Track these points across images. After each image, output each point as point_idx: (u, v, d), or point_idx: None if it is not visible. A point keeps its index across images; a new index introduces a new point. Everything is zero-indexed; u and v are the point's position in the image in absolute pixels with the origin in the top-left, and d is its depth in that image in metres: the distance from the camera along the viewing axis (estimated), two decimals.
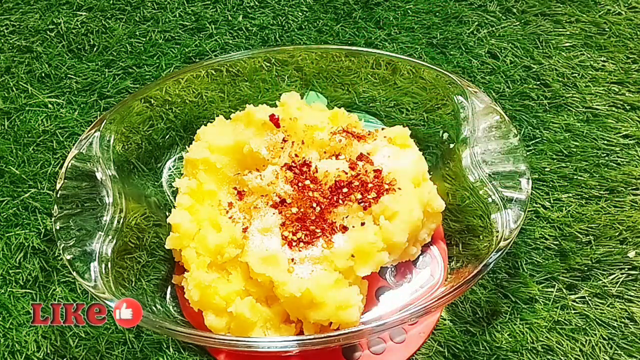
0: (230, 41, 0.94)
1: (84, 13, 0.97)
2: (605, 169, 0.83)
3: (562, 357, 0.70)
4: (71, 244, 0.67)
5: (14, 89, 0.89)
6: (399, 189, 0.69)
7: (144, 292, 0.72)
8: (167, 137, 0.83)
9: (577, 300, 0.74)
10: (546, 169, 0.82)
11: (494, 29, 0.95)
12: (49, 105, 0.88)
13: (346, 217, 0.68)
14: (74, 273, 0.65)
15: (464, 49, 0.93)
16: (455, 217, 0.77)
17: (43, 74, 0.91)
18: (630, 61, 0.92)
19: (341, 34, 0.95)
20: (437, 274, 0.74)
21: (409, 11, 0.97)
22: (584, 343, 0.71)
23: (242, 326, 0.66)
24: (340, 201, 0.68)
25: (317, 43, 0.93)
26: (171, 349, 0.71)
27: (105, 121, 0.73)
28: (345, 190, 0.69)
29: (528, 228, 0.78)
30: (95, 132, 0.72)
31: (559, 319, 0.72)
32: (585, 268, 0.75)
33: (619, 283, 0.75)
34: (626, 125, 0.86)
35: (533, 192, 0.80)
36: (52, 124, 0.86)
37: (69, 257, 0.66)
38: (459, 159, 0.74)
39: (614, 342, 0.71)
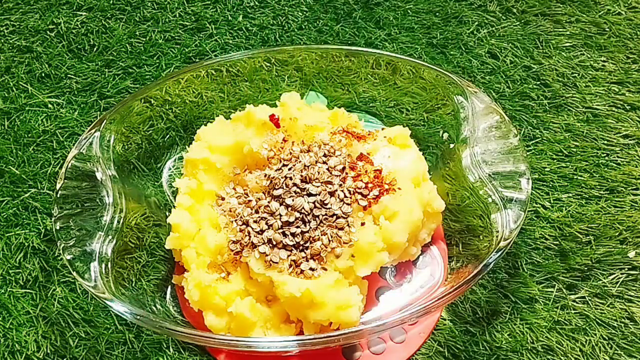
0: (230, 41, 0.94)
1: (84, 13, 0.97)
2: (605, 169, 0.83)
3: (562, 357, 0.70)
4: (71, 244, 0.67)
5: (14, 89, 0.89)
6: (399, 189, 0.69)
7: (144, 292, 0.72)
8: (167, 137, 0.83)
9: (577, 300, 0.74)
10: (546, 169, 0.82)
11: (494, 29, 0.96)
12: (49, 105, 0.88)
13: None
14: (74, 273, 0.65)
15: (464, 49, 0.93)
16: (455, 217, 0.77)
17: (43, 74, 0.91)
18: (630, 61, 0.92)
19: (341, 34, 0.95)
20: (437, 274, 0.74)
21: (409, 11, 0.97)
22: (584, 343, 0.71)
23: (242, 326, 0.66)
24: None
25: (317, 43, 0.94)
26: (171, 349, 0.71)
27: (105, 121, 0.74)
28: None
29: (528, 228, 0.78)
30: (95, 132, 0.72)
31: (559, 319, 0.72)
32: (585, 268, 0.75)
33: (619, 283, 0.75)
34: (626, 125, 0.86)
35: (533, 192, 0.80)
36: (52, 124, 0.86)
37: (69, 257, 0.66)
38: (459, 159, 0.74)
39: (614, 342, 0.71)
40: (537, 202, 0.80)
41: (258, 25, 0.96)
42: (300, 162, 0.70)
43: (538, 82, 0.90)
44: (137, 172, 0.79)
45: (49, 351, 0.70)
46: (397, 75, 0.83)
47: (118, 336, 0.71)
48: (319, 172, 0.69)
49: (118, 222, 0.70)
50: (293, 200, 0.68)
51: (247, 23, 0.96)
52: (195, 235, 0.69)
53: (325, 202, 0.68)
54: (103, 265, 0.66)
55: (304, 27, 0.95)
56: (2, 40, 0.94)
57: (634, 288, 0.74)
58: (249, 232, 0.68)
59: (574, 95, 0.89)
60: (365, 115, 0.85)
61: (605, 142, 0.85)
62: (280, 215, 0.67)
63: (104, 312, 0.73)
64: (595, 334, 0.71)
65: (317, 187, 0.68)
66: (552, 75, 0.91)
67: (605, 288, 0.74)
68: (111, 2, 0.98)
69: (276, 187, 0.69)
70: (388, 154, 0.73)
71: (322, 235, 0.67)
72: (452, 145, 0.77)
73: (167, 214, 0.71)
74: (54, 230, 0.67)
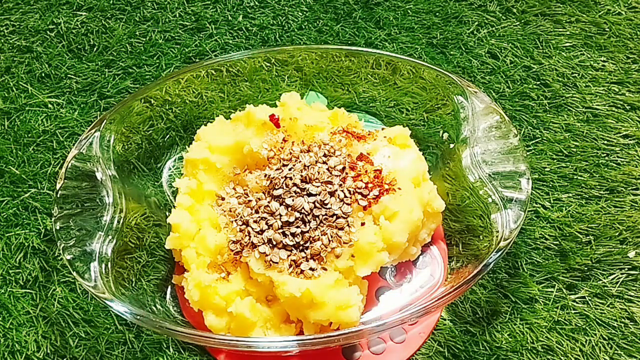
0: (230, 41, 0.94)
1: (84, 13, 0.97)
2: (605, 169, 0.83)
3: (562, 357, 0.70)
4: (71, 244, 0.67)
5: (14, 89, 0.89)
6: (399, 189, 0.69)
7: (144, 292, 0.72)
8: (167, 137, 0.83)
9: (577, 300, 0.74)
10: (546, 169, 0.82)
11: (494, 29, 0.96)
12: (49, 105, 0.88)
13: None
14: (74, 273, 0.65)
15: (464, 49, 0.93)
16: (455, 217, 0.77)
17: (43, 74, 0.91)
18: (630, 61, 0.92)
19: (341, 34, 0.95)
20: (437, 274, 0.74)
21: (409, 11, 0.97)
22: (584, 343, 0.71)
23: (242, 326, 0.66)
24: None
25: (317, 43, 0.94)
26: (171, 349, 0.71)
27: (105, 121, 0.74)
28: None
29: (528, 228, 0.78)
30: (95, 132, 0.72)
31: (559, 319, 0.72)
32: (585, 268, 0.75)
33: (619, 283, 0.75)
34: (626, 125, 0.86)
35: (533, 192, 0.80)
36: (52, 124, 0.86)
37: (69, 257, 0.66)
38: (459, 159, 0.74)
39: (614, 342, 0.71)
40: (537, 202, 0.80)
41: (258, 25, 0.96)
42: (300, 162, 0.70)
43: (538, 82, 0.90)
44: (137, 172, 0.79)
45: (49, 351, 0.70)
46: (397, 75, 0.83)
47: (118, 336, 0.71)
48: (319, 172, 0.69)
49: (118, 222, 0.70)
50: (293, 200, 0.68)
51: (247, 23, 0.96)
52: (195, 235, 0.69)
53: (325, 202, 0.68)
54: (103, 265, 0.66)
55: (304, 27, 0.95)
56: (2, 40, 0.94)
57: (634, 288, 0.74)
58: (249, 232, 0.68)
59: (574, 95, 0.89)
60: (365, 115, 0.85)
61: (605, 142, 0.85)
62: (280, 215, 0.67)
63: (104, 312, 0.73)
64: (595, 334, 0.71)
65: (317, 187, 0.68)
66: (552, 75, 0.91)
67: (605, 288, 0.74)
68: (111, 2, 0.98)
69: (276, 187, 0.69)
70: (388, 154, 0.73)
71: (322, 235, 0.67)
72: (452, 145, 0.77)
73: (167, 214, 0.71)
74: (54, 230, 0.67)
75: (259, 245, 0.67)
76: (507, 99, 0.88)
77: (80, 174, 0.71)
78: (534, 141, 0.85)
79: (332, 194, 0.68)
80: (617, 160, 0.83)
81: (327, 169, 0.70)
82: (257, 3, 0.98)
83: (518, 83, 0.90)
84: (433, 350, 0.71)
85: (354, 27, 0.95)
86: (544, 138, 0.85)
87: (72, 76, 0.90)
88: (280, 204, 0.68)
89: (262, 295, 0.68)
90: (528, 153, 0.84)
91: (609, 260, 0.76)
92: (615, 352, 0.71)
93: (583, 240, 0.77)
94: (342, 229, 0.67)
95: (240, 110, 0.77)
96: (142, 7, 0.97)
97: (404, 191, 0.69)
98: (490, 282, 0.75)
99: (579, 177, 0.82)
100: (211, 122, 0.77)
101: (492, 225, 0.70)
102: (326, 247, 0.66)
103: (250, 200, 0.70)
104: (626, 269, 0.75)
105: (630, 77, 0.91)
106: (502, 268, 0.75)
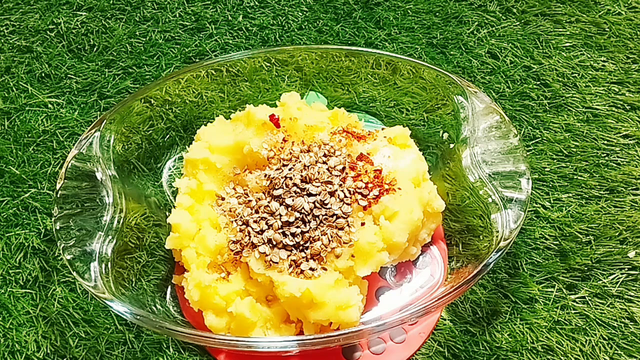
0: (230, 41, 0.94)
1: (84, 13, 0.97)
2: (605, 169, 0.83)
3: (562, 357, 0.70)
4: (71, 244, 0.67)
5: (14, 89, 0.89)
6: (399, 189, 0.69)
7: (144, 292, 0.72)
8: (167, 137, 0.83)
9: (577, 300, 0.74)
10: (546, 169, 0.82)
11: (494, 29, 0.96)
12: (49, 105, 0.88)
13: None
14: (74, 273, 0.65)
15: (464, 49, 0.93)
16: (455, 217, 0.77)
17: (43, 74, 0.91)
18: (630, 61, 0.92)
19: (341, 34, 0.95)
20: (437, 274, 0.74)
21: (409, 11, 0.97)
22: (584, 343, 0.71)
23: (242, 326, 0.66)
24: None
25: (317, 43, 0.94)
26: (171, 349, 0.71)
27: (105, 121, 0.74)
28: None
29: (528, 228, 0.78)
30: (95, 132, 0.72)
31: (559, 319, 0.72)
32: (585, 268, 0.75)
33: (619, 283, 0.75)
34: (626, 125, 0.86)
35: (533, 192, 0.80)
36: (52, 124, 0.86)
37: (69, 257, 0.66)
38: (459, 159, 0.74)
39: (614, 342, 0.71)
40: (537, 202, 0.80)
41: (258, 25, 0.96)
42: (300, 162, 0.70)
43: (538, 82, 0.90)
44: (137, 172, 0.79)
45: (49, 351, 0.70)
46: (397, 75, 0.83)
47: (118, 336, 0.71)
48: (319, 172, 0.69)
49: (118, 222, 0.70)
50: (293, 200, 0.68)
51: (247, 23, 0.96)
52: (195, 235, 0.69)
53: (325, 202, 0.68)
54: (103, 265, 0.66)
55: (304, 27, 0.95)
56: (2, 40, 0.94)
57: (634, 288, 0.74)
58: (249, 232, 0.68)
59: (574, 95, 0.89)
60: (365, 115, 0.85)
61: (605, 142, 0.85)
62: (280, 215, 0.67)
63: (104, 312, 0.73)
64: (595, 334, 0.71)
65: (317, 187, 0.68)
66: (552, 75, 0.91)
67: (605, 288, 0.74)
68: (111, 2, 0.98)
69: (276, 187, 0.69)
70: (388, 154, 0.73)
71: (322, 235, 0.67)
72: (452, 145, 0.77)
73: (167, 214, 0.71)
74: (54, 230, 0.67)
75: (259, 245, 0.67)
76: (507, 99, 0.88)
77: (80, 174, 0.71)
78: (534, 141, 0.85)
79: (332, 194, 0.68)
80: (617, 160, 0.83)
81: (327, 169, 0.70)
82: (257, 3, 0.98)
83: (518, 83, 0.90)
84: (433, 350, 0.71)
85: (354, 27, 0.95)
86: (544, 138, 0.85)
87: (72, 76, 0.90)
88: (280, 204, 0.68)
89: (262, 295, 0.68)
90: (528, 153, 0.84)
91: (609, 260, 0.76)
92: (615, 352, 0.71)
93: (583, 240, 0.77)
94: (342, 229, 0.67)
95: (240, 110, 0.77)
96: (142, 7, 0.97)
97: (404, 191, 0.69)
98: (490, 282, 0.75)
99: (579, 177, 0.82)
100: (211, 122, 0.77)
101: (492, 225, 0.70)
102: (326, 247, 0.66)
103: (250, 200, 0.70)
104: (626, 269, 0.75)
105: (630, 77, 0.91)
106: (502, 268, 0.76)
